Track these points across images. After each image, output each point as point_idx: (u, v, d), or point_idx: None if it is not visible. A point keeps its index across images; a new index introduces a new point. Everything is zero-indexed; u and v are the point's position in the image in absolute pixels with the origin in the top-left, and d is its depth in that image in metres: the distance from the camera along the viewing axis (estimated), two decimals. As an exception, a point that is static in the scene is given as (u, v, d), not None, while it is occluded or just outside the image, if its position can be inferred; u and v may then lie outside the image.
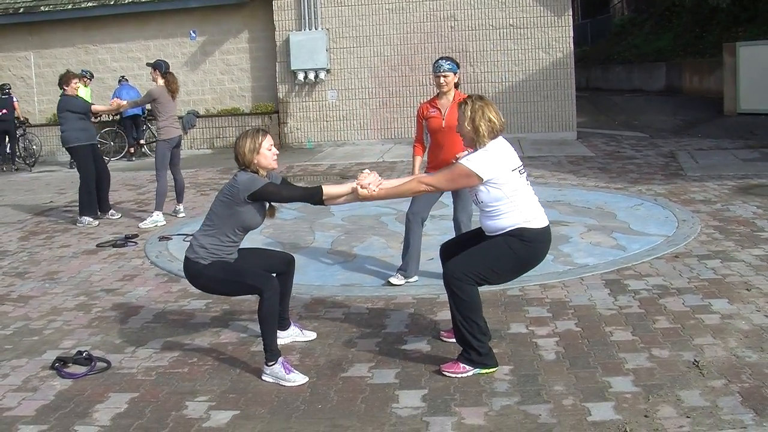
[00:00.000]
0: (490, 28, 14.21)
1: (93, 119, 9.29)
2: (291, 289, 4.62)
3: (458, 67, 5.60)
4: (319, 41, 14.39)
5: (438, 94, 5.64)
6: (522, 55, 14.16)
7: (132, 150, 15.09)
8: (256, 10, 15.07)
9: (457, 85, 5.64)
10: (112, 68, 15.68)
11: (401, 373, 4.05)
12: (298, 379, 4.00)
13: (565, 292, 5.29)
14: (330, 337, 4.67)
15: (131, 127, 14.99)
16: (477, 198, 4.04)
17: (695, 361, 3.96)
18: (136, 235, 7.90)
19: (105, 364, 4.38)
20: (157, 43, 15.58)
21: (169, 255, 6.97)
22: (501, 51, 14.19)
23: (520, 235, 3.96)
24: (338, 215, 8.34)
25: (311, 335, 4.67)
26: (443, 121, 5.52)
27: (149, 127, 15.17)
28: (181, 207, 8.89)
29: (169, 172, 8.65)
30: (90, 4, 15.30)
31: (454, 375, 3.94)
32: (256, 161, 4.15)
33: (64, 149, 9.34)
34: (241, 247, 4.34)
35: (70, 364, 4.37)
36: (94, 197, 8.79)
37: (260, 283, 4.08)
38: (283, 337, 4.53)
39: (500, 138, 4.09)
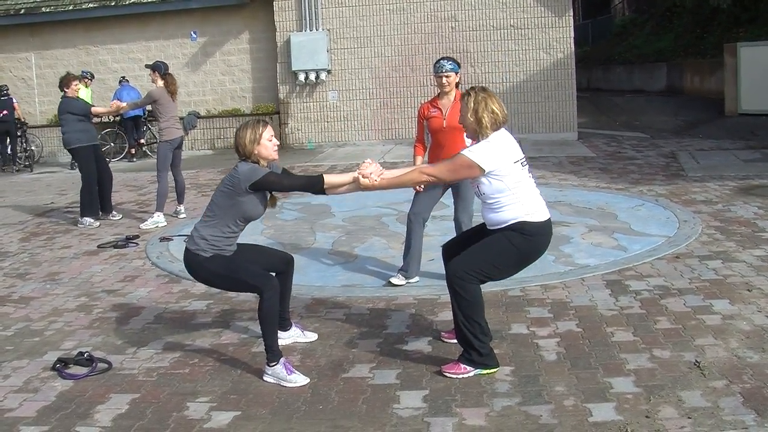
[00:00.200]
0: (491, 28, 14.21)
1: (93, 120, 9.28)
2: (291, 289, 4.62)
3: (459, 66, 5.60)
4: (320, 42, 14.39)
5: (439, 94, 5.64)
6: (523, 56, 14.15)
7: (133, 151, 15.09)
8: (256, 11, 15.07)
9: (457, 85, 5.64)
10: (113, 69, 15.68)
11: (402, 374, 4.05)
12: (299, 380, 4.00)
13: (566, 293, 5.28)
14: (331, 338, 4.67)
15: (132, 128, 15.00)
16: (479, 190, 4.04)
17: (696, 361, 3.96)
18: (137, 236, 7.91)
19: (106, 365, 4.38)
20: (158, 44, 15.58)
21: (170, 256, 6.97)
22: (502, 51, 14.19)
23: (521, 228, 3.95)
24: (339, 216, 8.34)
25: (312, 336, 4.67)
26: (444, 121, 5.52)
27: (150, 128, 15.18)
28: (182, 208, 8.90)
29: (169, 172, 8.66)
30: (91, 5, 15.31)
31: (455, 376, 3.94)
32: (256, 152, 4.14)
33: (65, 150, 9.35)
34: (240, 242, 4.34)
35: (71, 365, 4.37)
36: (96, 198, 8.79)
37: (260, 282, 4.08)
38: (284, 338, 4.53)
39: (503, 130, 4.08)
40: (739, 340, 4.22)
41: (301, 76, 14.57)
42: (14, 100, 14.70)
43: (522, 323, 4.73)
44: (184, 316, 5.30)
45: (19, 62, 16.24)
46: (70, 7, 15.38)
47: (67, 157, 13.44)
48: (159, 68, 8.60)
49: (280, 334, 4.50)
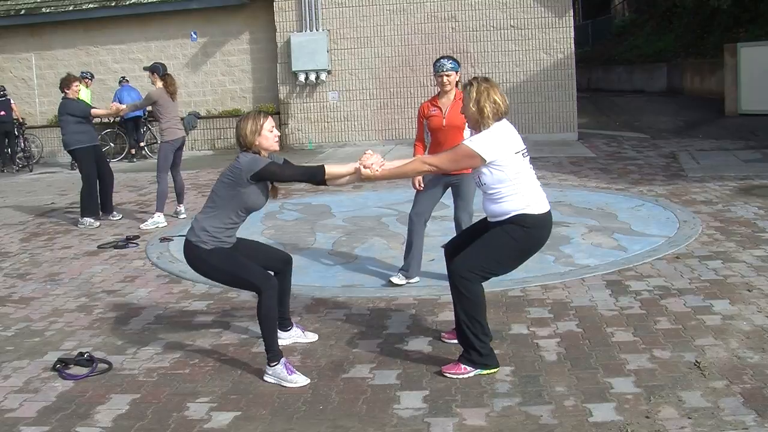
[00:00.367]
0: (491, 29, 14.21)
1: (94, 121, 9.27)
2: (290, 289, 4.61)
3: (460, 65, 5.60)
4: (320, 42, 14.39)
5: (439, 93, 5.64)
6: (523, 56, 14.15)
7: (133, 151, 15.10)
8: (257, 12, 15.07)
9: (458, 84, 5.64)
10: (113, 69, 15.68)
11: (402, 374, 4.05)
12: (299, 380, 4.00)
13: (567, 293, 5.28)
14: (331, 338, 4.67)
15: (132, 128, 15.01)
16: (480, 180, 4.03)
17: (697, 362, 3.96)
18: (138, 237, 7.91)
19: (106, 366, 4.38)
20: (158, 44, 15.59)
21: (171, 256, 6.98)
22: (502, 52, 14.19)
23: (521, 221, 3.95)
24: (339, 216, 8.35)
25: (313, 337, 4.67)
26: (444, 120, 5.52)
27: (150, 129, 15.19)
28: (182, 208, 8.90)
29: (169, 173, 8.66)
30: (91, 5, 15.32)
31: (455, 376, 3.94)
32: (257, 143, 4.13)
33: (65, 151, 9.34)
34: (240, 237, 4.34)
35: (71, 366, 4.37)
36: (96, 199, 8.79)
37: (259, 281, 4.08)
38: (285, 338, 4.53)
39: (504, 120, 4.08)
40: (740, 341, 4.22)
41: (302, 77, 14.57)
42: (12, 101, 14.72)
43: (522, 323, 4.73)
44: (184, 316, 5.30)
45: (20, 63, 16.25)
46: (71, 8, 15.38)
47: (67, 158, 13.44)
48: (157, 69, 8.61)
49: (281, 334, 4.51)
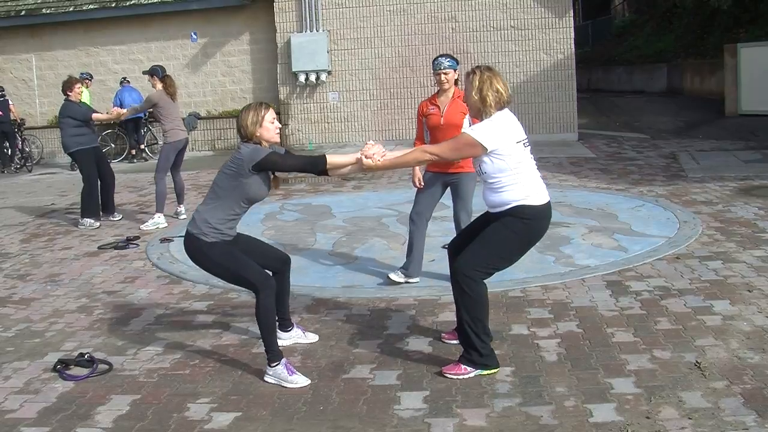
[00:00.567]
0: (491, 29, 14.21)
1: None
2: (289, 290, 4.61)
3: (458, 63, 5.60)
4: (320, 43, 14.39)
5: (438, 91, 5.64)
6: (523, 57, 14.15)
7: (133, 152, 15.11)
8: (257, 12, 15.07)
9: (456, 82, 5.64)
10: (114, 70, 15.68)
11: (403, 375, 4.05)
12: (300, 381, 4.00)
13: (567, 294, 5.29)
14: (331, 339, 4.67)
15: (133, 129, 15.01)
16: (480, 169, 4.02)
17: (697, 362, 3.96)
18: (138, 237, 7.91)
19: (107, 366, 4.38)
20: (158, 45, 15.58)
21: (171, 257, 6.98)
22: (502, 52, 14.18)
23: (521, 213, 3.94)
24: (339, 217, 8.35)
25: (313, 337, 4.67)
26: (441, 118, 5.52)
27: (150, 129, 15.19)
28: (182, 208, 8.90)
29: (168, 173, 8.67)
30: (91, 6, 15.31)
31: (455, 377, 3.94)
32: (258, 134, 4.12)
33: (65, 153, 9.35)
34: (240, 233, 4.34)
35: (71, 366, 4.37)
36: (96, 199, 8.80)
37: (258, 281, 4.08)
38: (285, 339, 4.54)
39: (506, 110, 4.07)
40: (740, 341, 4.22)
41: (302, 77, 14.57)
42: (10, 102, 14.72)
43: (522, 324, 4.73)
44: (184, 317, 5.30)
45: (20, 63, 16.25)
46: (71, 9, 15.38)
47: (67, 159, 13.44)
48: (156, 72, 8.62)
49: (282, 335, 4.51)
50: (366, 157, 4.10)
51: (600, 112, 18.86)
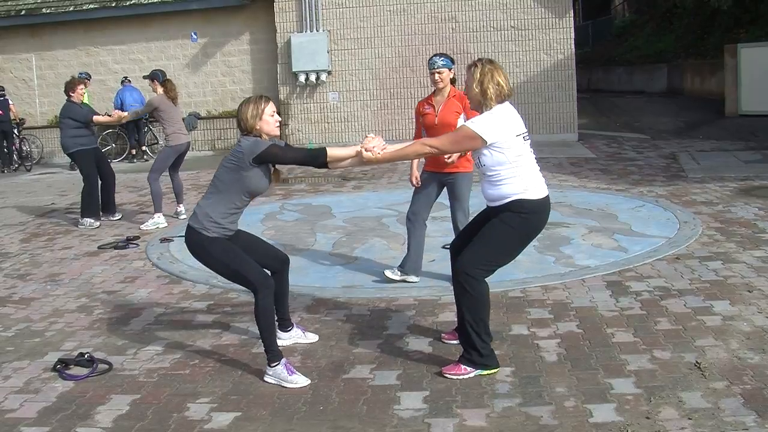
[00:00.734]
0: (492, 29, 14.21)
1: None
2: (288, 289, 4.61)
3: (453, 63, 5.58)
4: (320, 43, 14.39)
5: (434, 91, 5.64)
6: (523, 57, 14.15)
7: (134, 152, 15.11)
8: (257, 12, 15.07)
9: (453, 81, 5.63)
10: (114, 70, 15.67)
11: (403, 375, 4.05)
12: (300, 381, 3.99)
13: (567, 294, 5.29)
14: (331, 339, 4.67)
15: (133, 129, 15.00)
16: (480, 161, 4.02)
17: (697, 362, 3.96)
18: (138, 237, 7.91)
19: (106, 366, 4.38)
20: (158, 44, 15.58)
21: (171, 257, 6.98)
22: (502, 53, 14.18)
23: (519, 207, 3.94)
24: (339, 217, 8.35)
25: (313, 337, 4.67)
26: (436, 118, 5.52)
27: (151, 129, 15.19)
28: (182, 208, 8.90)
29: (166, 173, 8.67)
30: (91, 6, 15.31)
31: (455, 377, 3.94)
32: (258, 127, 4.11)
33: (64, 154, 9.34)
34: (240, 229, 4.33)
35: (71, 366, 4.37)
36: (96, 199, 8.79)
37: (257, 280, 4.07)
38: (285, 339, 4.54)
39: (507, 103, 4.07)
40: (740, 341, 4.22)
41: (302, 77, 14.57)
42: (10, 101, 14.72)
43: (522, 324, 4.73)
44: (184, 317, 5.30)
45: (20, 63, 16.25)
46: (71, 8, 15.37)
47: (67, 159, 13.43)
48: (157, 76, 8.64)
49: (282, 334, 4.51)
50: (366, 150, 4.09)
51: (600, 113, 18.86)
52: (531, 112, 14.10)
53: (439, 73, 5.49)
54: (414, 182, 5.65)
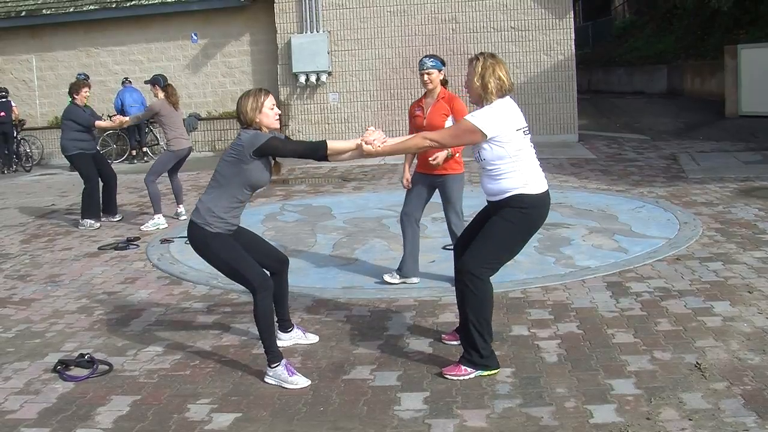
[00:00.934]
0: (492, 30, 14.21)
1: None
2: (287, 290, 4.60)
3: (443, 64, 5.56)
4: (321, 44, 14.39)
5: (425, 92, 5.63)
6: (523, 58, 14.15)
7: (134, 153, 15.11)
8: (257, 13, 15.08)
9: (445, 83, 5.62)
10: (114, 71, 15.68)
11: (403, 376, 4.05)
12: (300, 382, 3.99)
13: (567, 294, 5.28)
14: (332, 340, 4.67)
15: (134, 130, 15.01)
16: (479, 155, 4.01)
17: (697, 363, 3.96)
18: (138, 238, 7.91)
19: (107, 367, 4.38)
20: (158, 45, 15.58)
21: (171, 258, 6.98)
22: (502, 53, 14.15)
23: (519, 202, 3.93)
24: (340, 218, 8.35)
25: (314, 338, 4.67)
26: (425, 120, 5.52)
27: (152, 130, 15.19)
28: (182, 209, 8.90)
29: (164, 175, 8.68)
30: (91, 7, 15.31)
31: (455, 378, 3.94)
32: (258, 120, 4.11)
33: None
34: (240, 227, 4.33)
35: (72, 367, 4.37)
36: (97, 200, 8.80)
37: (256, 281, 4.07)
38: (286, 340, 4.54)
39: (507, 97, 4.06)
40: (740, 342, 4.22)
41: (302, 78, 14.57)
42: (12, 103, 14.73)
43: (523, 325, 4.73)
44: (184, 317, 5.30)
45: (20, 64, 16.25)
46: (71, 9, 15.38)
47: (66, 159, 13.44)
48: (158, 81, 8.64)
49: (282, 335, 4.51)
50: (366, 143, 4.09)
51: (600, 114, 18.86)
52: (531, 113, 14.09)
53: (428, 74, 5.48)
54: (405, 184, 5.66)
